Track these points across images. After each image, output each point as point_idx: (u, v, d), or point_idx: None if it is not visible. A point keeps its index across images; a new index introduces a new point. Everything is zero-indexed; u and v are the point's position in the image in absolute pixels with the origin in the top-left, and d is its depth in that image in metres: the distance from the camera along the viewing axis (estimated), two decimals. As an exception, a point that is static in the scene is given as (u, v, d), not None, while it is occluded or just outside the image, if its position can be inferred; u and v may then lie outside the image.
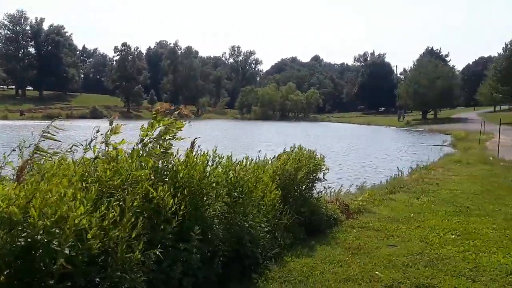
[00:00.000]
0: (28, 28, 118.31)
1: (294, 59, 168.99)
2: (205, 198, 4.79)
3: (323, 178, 7.75)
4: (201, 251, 4.43)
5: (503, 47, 67.95)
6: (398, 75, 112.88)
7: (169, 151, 4.91)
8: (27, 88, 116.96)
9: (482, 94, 77.97)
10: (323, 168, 7.66)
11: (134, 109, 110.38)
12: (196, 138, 6.04)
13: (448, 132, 44.55)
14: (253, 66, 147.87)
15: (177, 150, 5.09)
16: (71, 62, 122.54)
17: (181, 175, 4.60)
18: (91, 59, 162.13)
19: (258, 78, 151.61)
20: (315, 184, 7.62)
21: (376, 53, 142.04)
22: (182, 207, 4.23)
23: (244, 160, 5.56)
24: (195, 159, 4.89)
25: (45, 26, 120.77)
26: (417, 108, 79.36)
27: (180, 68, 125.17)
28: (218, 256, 4.70)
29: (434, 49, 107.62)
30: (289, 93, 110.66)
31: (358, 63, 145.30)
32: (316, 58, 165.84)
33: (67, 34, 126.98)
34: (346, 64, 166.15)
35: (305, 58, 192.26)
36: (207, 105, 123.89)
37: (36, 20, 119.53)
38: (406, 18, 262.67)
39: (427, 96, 71.66)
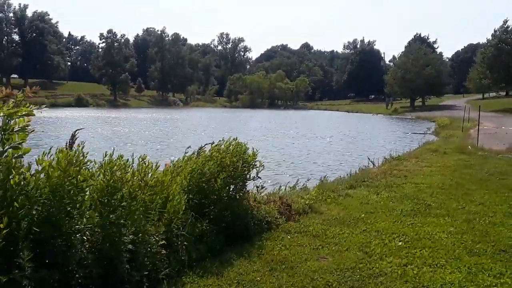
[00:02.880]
0: (11, 15, 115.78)
1: (284, 47, 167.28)
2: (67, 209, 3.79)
3: (257, 176, 6.74)
4: (43, 280, 3.42)
5: (492, 33, 67.21)
6: (388, 62, 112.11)
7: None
8: (12, 76, 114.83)
9: (471, 80, 77.29)
10: (256, 165, 6.65)
11: (121, 97, 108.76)
12: (78, 129, 5.03)
13: (434, 119, 43.76)
14: (242, 53, 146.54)
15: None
16: (56, 50, 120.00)
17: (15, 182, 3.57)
18: (78, 47, 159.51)
19: (248, 66, 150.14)
20: (246, 183, 6.62)
21: (366, 40, 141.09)
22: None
23: (130, 159, 4.53)
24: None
25: (29, 13, 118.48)
26: (405, 95, 78.58)
27: (168, 55, 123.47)
28: (72, 285, 3.69)
29: (422, 35, 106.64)
30: (278, 81, 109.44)
31: (348, 51, 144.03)
32: (306, 46, 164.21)
33: (52, 21, 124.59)
34: (336, 51, 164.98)
35: (295, 45, 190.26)
36: (196, 93, 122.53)
37: (20, 6, 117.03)
38: (395, 4, 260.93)
39: (415, 83, 70.87)
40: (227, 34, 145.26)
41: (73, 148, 4.57)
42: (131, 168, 4.39)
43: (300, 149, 24.60)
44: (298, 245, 5.96)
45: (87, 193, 4.08)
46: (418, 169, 13.09)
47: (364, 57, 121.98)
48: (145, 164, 4.57)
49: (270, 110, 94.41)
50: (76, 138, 4.81)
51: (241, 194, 6.39)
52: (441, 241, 6.20)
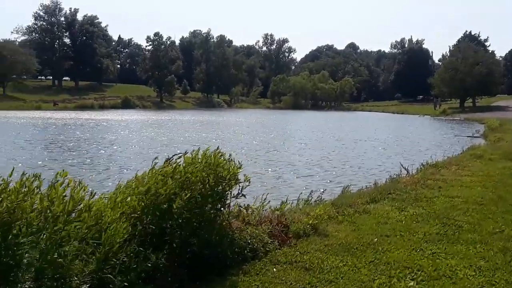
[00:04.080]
0: (62, 19, 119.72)
1: (330, 47, 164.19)
2: None
3: (240, 193, 5.68)
4: None
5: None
6: (437, 61, 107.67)
7: None
8: (64, 78, 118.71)
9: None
10: (240, 180, 5.59)
11: (167, 99, 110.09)
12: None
13: (484, 121, 40.99)
14: (287, 54, 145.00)
15: None
16: (105, 53, 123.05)
17: None
18: (126, 50, 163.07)
19: (293, 67, 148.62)
20: (227, 201, 5.57)
21: (414, 39, 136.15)
22: None
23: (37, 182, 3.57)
24: None
25: (79, 17, 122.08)
26: (454, 96, 74.87)
27: (213, 57, 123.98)
28: None
29: (473, 33, 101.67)
30: (321, 82, 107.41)
31: (395, 50, 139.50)
32: (352, 46, 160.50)
33: (101, 24, 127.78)
34: (383, 51, 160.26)
35: (341, 45, 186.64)
36: (240, 94, 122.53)
37: (70, 10, 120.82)
38: (444, 1, 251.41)
39: (466, 82, 67.29)
40: (271, 35, 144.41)
41: None
42: (36, 194, 3.44)
43: (336, 154, 23.33)
44: (281, 283, 4.84)
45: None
46: (456, 179, 11.59)
47: (412, 56, 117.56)
48: (60, 185, 3.60)
49: (313, 111, 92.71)
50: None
51: (216, 215, 5.31)
52: (466, 282, 4.91)
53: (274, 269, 5.21)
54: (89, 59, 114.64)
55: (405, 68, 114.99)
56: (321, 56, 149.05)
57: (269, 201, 7.78)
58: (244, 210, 6.04)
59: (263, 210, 7.21)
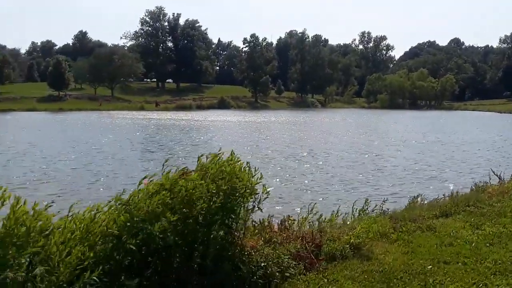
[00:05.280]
0: (166, 24, 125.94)
1: (431, 43, 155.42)
2: None
3: (258, 207, 4.89)
4: None
5: None
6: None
7: None
8: (167, 81, 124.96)
9: None
10: (256, 190, 4.81)
11: (262, 99, 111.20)
12: None
13: None
14: (384, 52, 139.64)
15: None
16: (204, 55, 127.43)
17: None
18: (225, 52, 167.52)
19: (391, 65, 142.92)
20: (241, 216, 4.80)
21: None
22: None
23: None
24: None
25: (181, 21, 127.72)
26: None
27: (308, 57, 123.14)
28: None
29: None
30: (420, 80, 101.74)
31: (505, 45, 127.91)
32: (455, 41, 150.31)
33: (201, 28, 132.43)
34: (491, 46, 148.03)
35: (443, 41, 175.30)
36: (335, 94, 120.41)
37: (173, 15, 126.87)
38: None
39: None
40: (368, 33, 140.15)
41: None
42: None
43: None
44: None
45: None
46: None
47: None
48: None
49: (411, 111, 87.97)
50: None
51: (223, 235, 4.53)
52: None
53: (286, 302, 4.36)
54: (189, 61, 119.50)
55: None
56: (422, 53, 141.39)
57: (321, 214, 6.86)
58: (268, 225, 5.22)
59: (304, 224, 6.36)
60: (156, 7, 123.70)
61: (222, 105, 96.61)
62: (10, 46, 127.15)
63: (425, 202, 9.26)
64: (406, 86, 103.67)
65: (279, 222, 5.93)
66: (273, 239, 5.23)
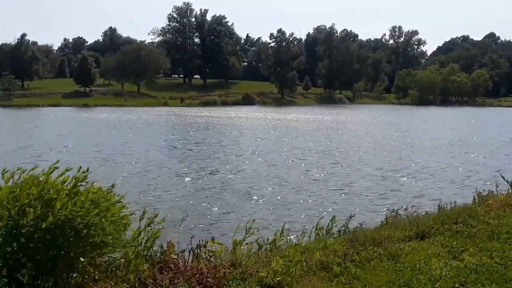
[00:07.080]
0: (193, 19, 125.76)
1: (465, 38, 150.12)
2: None
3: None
4: None
5: None
6: None
7: None
8: (194, 76, 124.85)
9: None
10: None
11: (288, 95, 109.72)
12: None
13: None
14: (415, 47, 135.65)
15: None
16: (231, 51, 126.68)
17: None
18: (253, 48, 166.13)
19: (422, 61, 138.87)
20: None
21: None
22: None
23: None
24: None
25: (209, 17, 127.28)
26: None
27: (336, 52, 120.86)
28: None
29: None
30: (450, 75, 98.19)
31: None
32: (491, 36, 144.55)
33: (228, 23, 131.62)
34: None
35: (478, 36, 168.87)
36: (363, 90, 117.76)
37: (201, 11, 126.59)
38: None
39: None
40: (399, 27, 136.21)
41: None
42: None
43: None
44: None
45: None
46: None
47: None
48: None
49: (442, 107, 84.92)
50: None
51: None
52: None
53: None
54: (216, 57, 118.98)
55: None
56: (455, 48, 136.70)
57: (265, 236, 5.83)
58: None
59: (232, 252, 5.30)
60: (184, 3, 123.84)
61: (247, 101, 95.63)
62: (41, 42, 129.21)
63: (410, 216, 8.05)
64: (437, 82, 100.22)
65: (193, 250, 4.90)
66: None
